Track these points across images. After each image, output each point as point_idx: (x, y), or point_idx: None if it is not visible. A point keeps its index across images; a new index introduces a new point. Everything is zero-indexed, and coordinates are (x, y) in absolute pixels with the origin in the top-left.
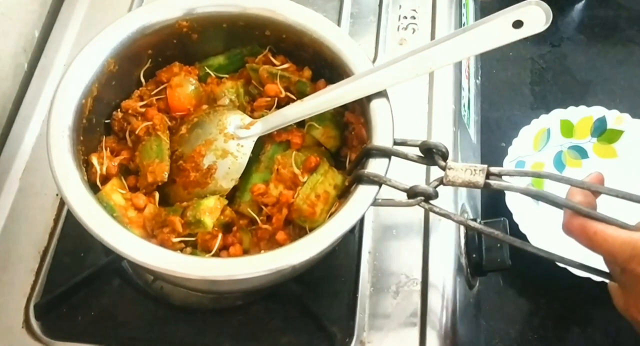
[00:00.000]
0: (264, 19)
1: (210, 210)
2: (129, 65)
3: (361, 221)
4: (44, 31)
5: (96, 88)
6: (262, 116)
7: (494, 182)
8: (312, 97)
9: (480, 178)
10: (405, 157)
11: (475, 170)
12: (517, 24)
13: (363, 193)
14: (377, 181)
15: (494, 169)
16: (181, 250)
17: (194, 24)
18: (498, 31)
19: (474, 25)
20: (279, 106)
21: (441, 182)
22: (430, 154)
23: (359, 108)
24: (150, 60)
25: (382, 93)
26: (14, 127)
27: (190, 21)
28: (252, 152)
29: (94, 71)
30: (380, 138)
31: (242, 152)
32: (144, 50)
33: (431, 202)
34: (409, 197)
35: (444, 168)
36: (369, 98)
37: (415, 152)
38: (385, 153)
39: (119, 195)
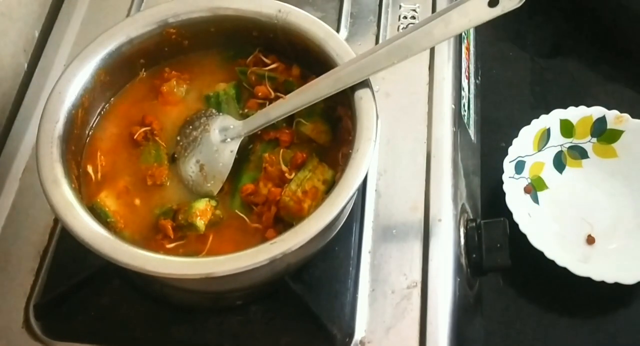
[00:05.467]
0: (248, 20)
1: (201, 213)
2: (122, 75)
3: (361, 221)
4: (44, 31)
5: (87, 100)
6: None
7: None
8: (295, 94)
9: None
10: None
11: None
12: (493, 3)
13: (346, 184)
14: None
15: None
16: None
17: (182, 30)
18: (474, 11)
19: (449, 8)
20: None
21: None
22: None
23: (347, 100)
24: (144, 69)
25: (365, 84)
26: (14, 127)
27: (177, 28)
28: (243, 152)
29: (84, 82)
30: (365, 128)
31: (228, 153)
32: (135, 60)
33: None
34: None
35: None
36: (352, 89)
37: None
38: None
39: (113, 201)
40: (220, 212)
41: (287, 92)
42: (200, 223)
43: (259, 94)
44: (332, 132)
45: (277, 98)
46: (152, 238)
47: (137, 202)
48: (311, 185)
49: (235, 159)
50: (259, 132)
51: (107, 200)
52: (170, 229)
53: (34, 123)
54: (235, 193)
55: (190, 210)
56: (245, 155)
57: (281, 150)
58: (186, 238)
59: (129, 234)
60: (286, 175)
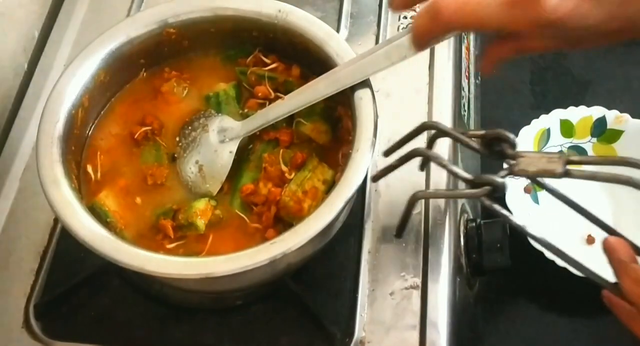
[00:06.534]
0: (248, 20)
1: (202, 212)
2: (122, 75)
3: (361, 220)
4: (44, 31)
5: (87, 100)
6: None
7: (575, 170)
8: (294, 94)
9: (558, 166)
10: (467, 144)
11: (552, 157)
12: None
13: (346, 184)
14: (439, 164)
15: (574, 158)
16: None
17: (182, 30)
18: None
19: None
20: None
21: (511, 171)
22: (496, 144)
23: (347, 100)
24: (144, 69)
25: (365, 84)
26: (14, 127)
27: (177, 28)
28: (243, 152)
29: (84, 82)
30: (365, 128)
31: (227, 154)
32: (136, 60)
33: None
34: (474, 186)
35: (513, 158)
36: (352, 89)
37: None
38: (445, 135)
39: (113, 201)
40: (220, 211)
41: (287, 92)
42: (201, 222)
43: (259, 94)
44: (332, 132)
45: (277, 98)
46: (152, 239)
47: (137, 201)
48: (311, 185)
49: (235, 159)
50: (259, 132)
51: (107, 200)
52: (170, 229)
53: (34, 123)
54: (235, 193)
55: (190, 209)
56: (245, 155)
57: (281, 150)
58: (186, 238)
59: (128, 234)
60: (286, 175)
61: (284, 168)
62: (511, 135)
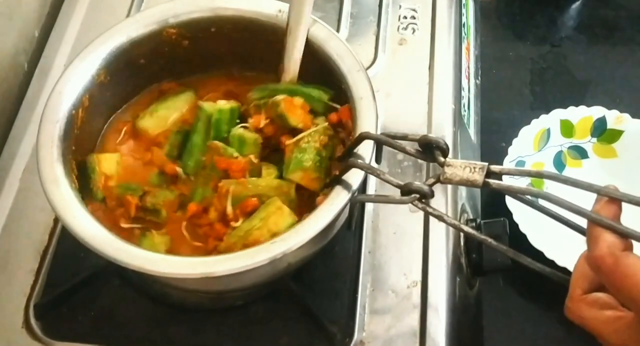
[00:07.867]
0: (248, 20)
1: (170, 203)
2: (123, 75)
3: (361, 221)
4: (44, 31)
5: (87, 100)
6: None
7: (493, 182)
8: None
9: (479, 177)
10: (403, 150)
11: (474, 167)
12: None
13: (347, 184)
14: (372, 173)
15: (495, 167)
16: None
17: (182, 30)
18: None
19: None
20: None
21: (438, 179)
22: (430, 150)
23: (347, 101)
24: (144, 69)
25: (365, 84)
26: (14, 127)
27: (177, 28)
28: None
29: (84, 83)
30: (365, 128)
31: None
32: (136, 60)
33: (426, 201)
34: (403, 194)
35: (442, 165)
36: (353, 90)
37: (415, 146)
38: (380, 143)
39: (108, 165)
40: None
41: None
42: (164, 212)
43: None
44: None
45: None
46: (112, 210)
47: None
48: (257, 237)
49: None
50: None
51: (105, 162)
52: (133, 207)
53: (34, 123)
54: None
55: (159, 196)
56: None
57: (231, 187)
58: (144, 223)
59: (97, 197)
60: (230, 221)
61: (229, 210)
62: (442, 141)
